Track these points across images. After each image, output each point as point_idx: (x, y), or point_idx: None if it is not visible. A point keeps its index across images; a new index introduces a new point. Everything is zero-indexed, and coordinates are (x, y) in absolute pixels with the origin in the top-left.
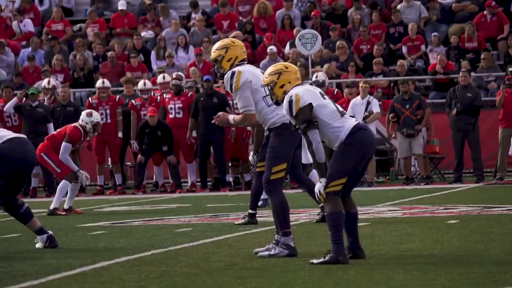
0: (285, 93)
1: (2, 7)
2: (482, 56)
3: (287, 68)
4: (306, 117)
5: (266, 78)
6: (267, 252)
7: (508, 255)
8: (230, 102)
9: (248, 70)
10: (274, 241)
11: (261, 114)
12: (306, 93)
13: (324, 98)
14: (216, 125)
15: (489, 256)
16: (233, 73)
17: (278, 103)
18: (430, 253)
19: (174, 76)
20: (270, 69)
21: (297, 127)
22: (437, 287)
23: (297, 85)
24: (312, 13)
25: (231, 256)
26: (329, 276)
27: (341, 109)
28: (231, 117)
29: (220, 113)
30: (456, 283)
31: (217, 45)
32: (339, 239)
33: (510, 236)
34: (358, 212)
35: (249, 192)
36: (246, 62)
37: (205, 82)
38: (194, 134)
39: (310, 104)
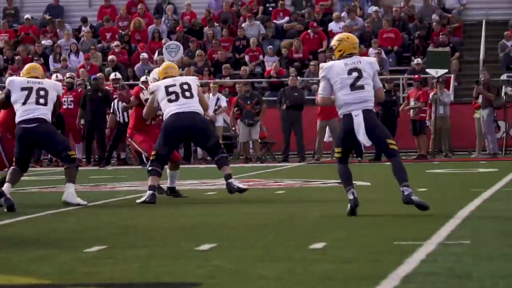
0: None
1: None
2: (311, 63)
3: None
4: None
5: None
6: None
7: (323, 218)
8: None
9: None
10: None
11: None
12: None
13: None
14: (99, 115)
15: (307, 218)
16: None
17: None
18: (261, 217)
19: (67, 76)
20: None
21: None
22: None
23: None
24: (177, 28)
25: (111, 215)
26: None
27: None
28: None
29: None
30: (275, 240)
31: (337, 36)
32: None
33: (325, 204)
34: (209, 183)
35: (126, 167)
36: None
37: (92, 80)
38: (82, 121)
39: None
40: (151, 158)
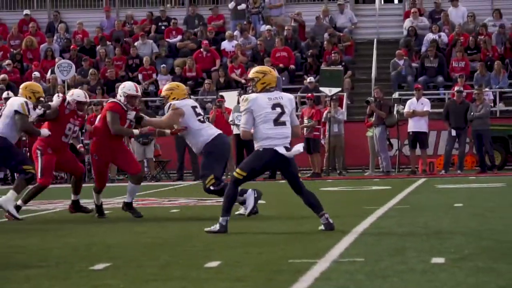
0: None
1: None
2: (206, 82)
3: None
4: None
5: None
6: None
7: (218, 236)
8: None
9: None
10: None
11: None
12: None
13: None
14: None
15: (202, 236)
16: (243, 99)
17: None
18: (156, 235)
19: None
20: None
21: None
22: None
23: None
24: (72, 47)
25: (1, 236)
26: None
27: None
28: None
29: None
30: (170, 259)
31: (256, 68)
32: None
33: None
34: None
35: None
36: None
37: None
38: None
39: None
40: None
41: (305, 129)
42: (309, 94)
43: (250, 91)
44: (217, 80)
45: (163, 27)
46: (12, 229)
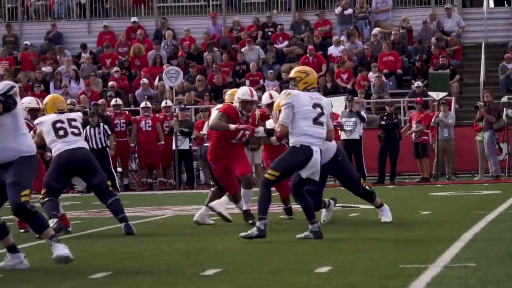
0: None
1: None
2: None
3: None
4: None
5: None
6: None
7: (326, 241)
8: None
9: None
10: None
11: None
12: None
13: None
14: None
15: (310, 242)
16: (285, 92)
17: None
18: (265, 241)
19: (68, 102)
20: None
21: None
22: None
23: None
24: (179, 53)
25: (115, 242)
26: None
27: None
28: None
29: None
30: (280, 265)
31: (298, 68)
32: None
33: (328, 227)
34: None
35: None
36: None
37: (92, 106)
38: None
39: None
40: None
41: (413, 134)
42: (418, 99)
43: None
44: (324, 85)
45: (269, 33)
46: (123, 235)
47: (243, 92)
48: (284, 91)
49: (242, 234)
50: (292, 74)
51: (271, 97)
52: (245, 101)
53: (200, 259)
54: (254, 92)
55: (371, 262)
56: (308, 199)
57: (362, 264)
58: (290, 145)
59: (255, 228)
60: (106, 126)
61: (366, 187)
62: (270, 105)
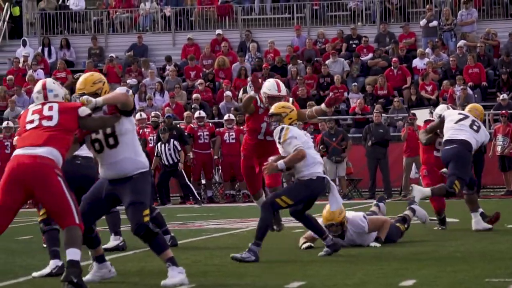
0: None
1: (21, 60)
2: (395, 99)
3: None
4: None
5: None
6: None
7: (410, 254)
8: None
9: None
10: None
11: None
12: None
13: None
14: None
15: (395, 254)
16: (282, 128)
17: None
18: (348, 254)
19: (152, 114)
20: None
21: None
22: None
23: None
24: (263, 65)
25: (199, 254)
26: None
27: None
28: (280, 162)
29: (268, 163)
30: (364, 277)
31: (281, 104)
32: None
33: (412, 241)
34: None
35: (213, 205)
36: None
37: (166, 119)
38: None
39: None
40: None
41: (499, 147)
42: (503, 111)
43: (273, 127)
44: (409, 97)
45: (354, 45)
46: (207, 247)
47: (269, 86)
48: (277, 129)
49: (234, 255)
50: (275, 110)
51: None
52: (271, 96)
53: (284, 272)
54: (281, 86)
55: (456, 275)
56: (310, 218)
57: (447, 277)
58: (306, 178)
59: (251, 253)
60: (176, 142)
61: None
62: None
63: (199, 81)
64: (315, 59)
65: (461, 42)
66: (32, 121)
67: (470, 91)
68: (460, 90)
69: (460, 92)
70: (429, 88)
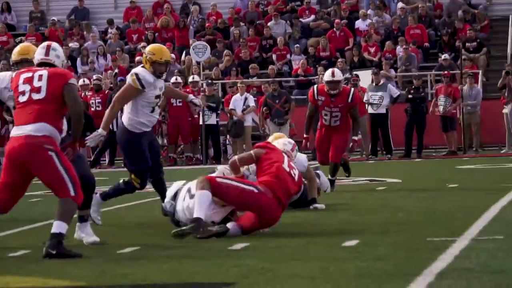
0: None
1: None
2: (339, 61)
3: None
4: None
5: None
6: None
7: (354, 216)
8: None
9: None
10: None
11: None
12: None
13: None
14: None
15: (337, 217)
16: None
17: None
18: (293, 215)
19: (94, 78)
20: None
21: None
22: None
23: None
24: (206, 25)
25: (142, 217)
26: None
27: None
28: None
29: None
30: (307, 239)
31: None
32: None
33: (355, 202)
34: None
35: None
36: None
37: (119, 82)
38: None
39: None
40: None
41: (441, 107)
42: (445, 72)
43: None
44: (351, 59)
45: (296, 7)
46: (153, 210)
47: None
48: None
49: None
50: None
51: (333, 74)
52: (328, 81)
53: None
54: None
55: (398, 235)
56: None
57: (389, 237)
58: None
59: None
60: None
61: None
62: (330, 83)
63: (142, 44)
64: (258, 21)
65: (400, 4)
66: (23, 93)
67: (411, 52)
68: (402, 50)
69: (402, 53)
70: (372, 50)
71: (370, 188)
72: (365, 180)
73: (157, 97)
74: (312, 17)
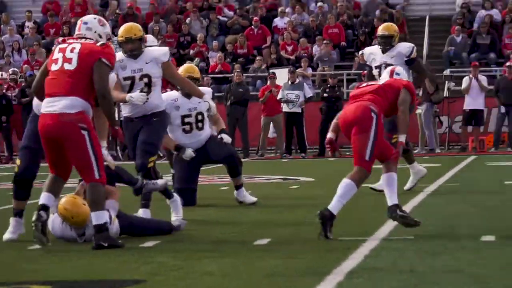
0: None
1: None
2: (257, 59)
3: None
4: None
5: None
6: None
7: (266, 214)
8: None
9: None
10: None
11: None
12: None
13: None
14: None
15: (250, 215)
16: None
17: None
18: (205, 213)
19: (10, 72)
20: None
21: None
22: None
23: None
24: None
25: None
26: None
27: None
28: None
29: None
30: (220, 236)
31: None
32: None
33: (268, 200)
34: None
35: None
36: None
37: (28, 77)
38: None
39: None
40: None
41: None
42: (364, 72)
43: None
44: (268, 57)
45: (214, 4)
46: None
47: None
48: None
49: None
50: None
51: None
52: None
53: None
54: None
55: (310, 234)
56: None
57: (301, 236)
58: None
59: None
60: None
61: None
62: None
63: (60, 39)
64: (176, 17)
65: (321, 3)
66: (56, 61)
67: (331, 49)
68: (323, 45)
69: (323, 48)
70: (289, 48)
71: (284, 186)
72: (279, 178)
73: (127, 78)
74: (231, 14)
